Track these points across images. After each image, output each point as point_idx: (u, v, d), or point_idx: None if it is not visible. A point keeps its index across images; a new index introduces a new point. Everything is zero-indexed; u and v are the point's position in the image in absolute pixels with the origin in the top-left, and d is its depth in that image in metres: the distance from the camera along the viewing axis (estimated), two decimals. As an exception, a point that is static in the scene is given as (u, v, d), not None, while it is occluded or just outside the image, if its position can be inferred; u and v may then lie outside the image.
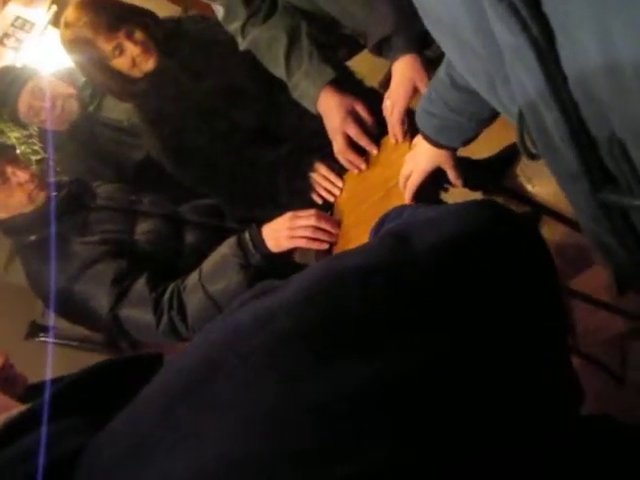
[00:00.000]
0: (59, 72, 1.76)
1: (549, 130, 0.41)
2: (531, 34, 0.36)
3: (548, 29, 0.36)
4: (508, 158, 1.87)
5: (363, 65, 1.37)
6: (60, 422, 0.33)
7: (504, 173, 1.89)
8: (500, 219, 0.49)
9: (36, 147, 1.88)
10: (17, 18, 2.58)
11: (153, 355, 0.41)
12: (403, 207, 0.76)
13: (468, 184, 1.19)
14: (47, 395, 0.34)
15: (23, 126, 1.80)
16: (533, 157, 0.49)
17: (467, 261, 0.43)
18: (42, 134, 1.80)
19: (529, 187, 1.90)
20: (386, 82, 1.35)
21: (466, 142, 0.89)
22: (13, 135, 1.97)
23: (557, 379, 0.45)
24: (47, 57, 2.34)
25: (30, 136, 1.89)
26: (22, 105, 1.64)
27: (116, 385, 0.38)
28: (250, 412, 0.30)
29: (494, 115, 0.81)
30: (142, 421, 0.32)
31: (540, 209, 1.54)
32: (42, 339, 2.61)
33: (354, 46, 1.35)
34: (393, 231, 0.45)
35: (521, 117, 0.44)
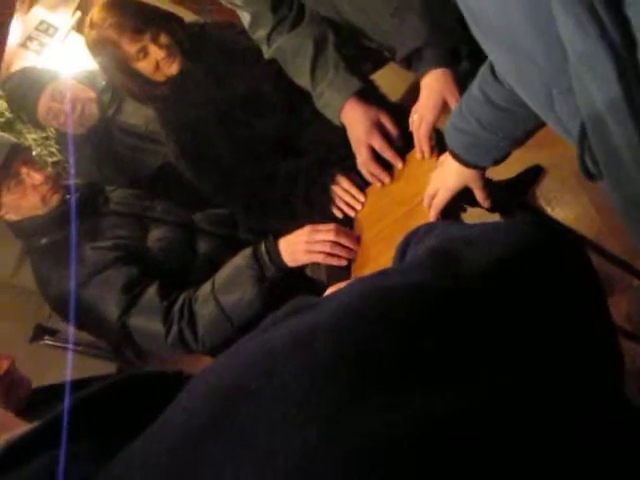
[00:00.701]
0: (79, 75, 1.76)
1: (617, 148, 0.37)
2: (610, 39, 0.32)
3: (629, 35, 0.32)
4: (527, 180, 1.85)
5: (384, 81, 1.35)
6: (67, 448, 0.30)
7: (523, 195, 1.87)
8: (546, 239, 0.46)
9: (53, 149, 1.88)
10: (41, 22, 2.60)
11: (171, 373, 0.37)
12: (430, 225, 0.73)
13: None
14: (48, 420, 0.31)
15: (41, 128, 1.80)
16: (592, 178, 0.45)
17: (515, 283, 0.40)
18: (59, 136, 1.80)
19: (548, 210, 1.87)
20: (407, 99, 1.32)
21: (497, 162, 0.86)
22: (31, 137, 1.97)
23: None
24: (68, 61, 2.35)
25: (47, 138, 1.89)
26: (41, 107, 1.64)
27: (130, 406, 0.35)
28: (281, 455, 0.26)
29: (528, 134, 0.78)
30: (162, 454, 0.28)
31: (562, 232, 1.50)
32: (47, 342, 2.59)
33: (378, 60, 1.33)
34: (436, 250, 0.42)
35: (583, 133, 0.41)
